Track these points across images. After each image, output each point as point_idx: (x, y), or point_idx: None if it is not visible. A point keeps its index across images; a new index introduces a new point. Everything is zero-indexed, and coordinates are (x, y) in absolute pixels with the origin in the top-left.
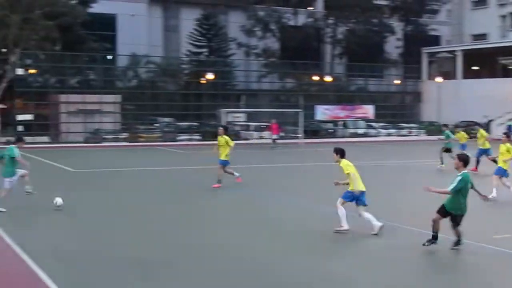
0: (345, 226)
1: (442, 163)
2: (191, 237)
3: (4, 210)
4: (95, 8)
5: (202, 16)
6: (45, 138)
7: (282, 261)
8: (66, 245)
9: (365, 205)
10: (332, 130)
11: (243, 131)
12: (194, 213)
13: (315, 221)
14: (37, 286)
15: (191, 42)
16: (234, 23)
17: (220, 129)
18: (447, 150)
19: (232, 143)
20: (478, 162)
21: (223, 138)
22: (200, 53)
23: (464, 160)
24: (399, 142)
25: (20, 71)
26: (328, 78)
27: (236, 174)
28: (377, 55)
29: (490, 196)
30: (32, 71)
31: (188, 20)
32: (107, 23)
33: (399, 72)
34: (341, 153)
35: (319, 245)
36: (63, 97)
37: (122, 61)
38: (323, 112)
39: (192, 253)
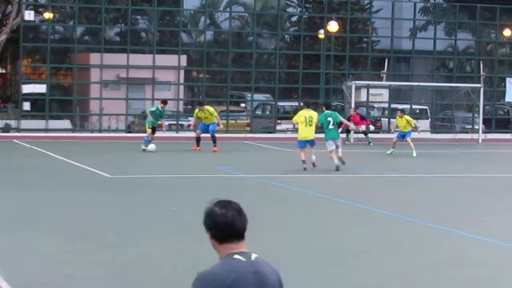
0: None
1: None
2: None
3: None
4: None
5: None
6: (65, 123)
7: None
8: None
9: None
10: None
11: (383, 119)
12: None
13: None
14: None
15: None
16: None
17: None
18: None
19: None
20: None
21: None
22: None
23: None
24: None
25: (28, 15)
26: None
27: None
28: None
29: None
30: (47, 15)
31: None
32: None
33: None
34: None
35: None
36: (94, 58)
37: (191, 2)
38: None
39: None
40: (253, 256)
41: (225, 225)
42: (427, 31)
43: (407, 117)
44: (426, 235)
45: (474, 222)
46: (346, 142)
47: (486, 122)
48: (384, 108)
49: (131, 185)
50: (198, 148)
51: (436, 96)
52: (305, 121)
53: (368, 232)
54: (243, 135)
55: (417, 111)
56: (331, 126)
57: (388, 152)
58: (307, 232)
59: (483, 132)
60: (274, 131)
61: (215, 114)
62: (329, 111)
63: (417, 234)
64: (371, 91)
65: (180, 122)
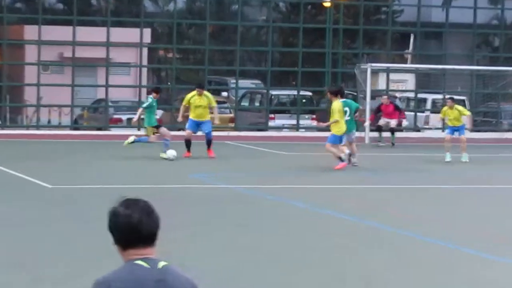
0: None
1: None
2: None
3: None
4: None
5: None
6: None
7: None
8: None
9: None
10: None
11: (407, 113)
12: None
13: None
14: None
15: None
16: None
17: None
18: None
19: None
20: None
21: None
22: None
23: None
24: None
25: None
26: None
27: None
28: None
29: None
30: None
31: None
32: None
33: None
34: None
35: None
36: (30, 31)
37: None
38: None
39: None
40: (161, 263)
41: (129, 228)
42: None
43: (460, 107)
44: (460, 262)
45: None
46: (379, 143)
47: None
48: (408, 99)
49: (76, 198)
50: (189, 154)
51: (476, 84)
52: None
53: (386, 256)
54: (225, 133)
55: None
56: (347, 118)
57: (447, 159)
58: (310, 258)
59: None
60: (265, 128)
61: (215, 105)
62: (344, 100)
63: (448, 261)
64: (392, 76)
65: (142, 116)
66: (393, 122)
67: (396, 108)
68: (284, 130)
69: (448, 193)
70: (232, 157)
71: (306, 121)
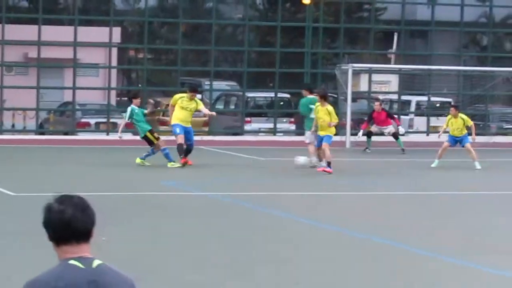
0: None
1: None
2: None
3: None
4: None
5: None
6: None
7: None
8: None
9: None
10: None
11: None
12: None
13: None
14: None
15: None
16: None
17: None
18: None
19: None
20: None
21: None
22: None
23: None
24: None
25: None
26: None
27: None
28: None
29: None
30: None
31: None
32: None
33: None
34: None
35: None
36: None
37: None
38: None
39: None
40: (96, 262)
41: (61, 223)
42: None
43: (464, 116)
44: (441, 271)
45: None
46: (367, 150)
47: None
48: (392, 101)
49: (41, 206)
50: (188, 161)
51: (464, 85)
52: None
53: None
54: (198, 137)
55: (438, 104)
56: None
57: (433, 165)
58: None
59: None
60: (241, 132)
61: (202, 106)
62: (312, 97)
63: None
64: (375, 77)
65: (112, 120)
66: (391, 128)
67: (389, 115)
68: (260, 134)
69: (432, 199)
70: (206, 162)
71: (283, 124)
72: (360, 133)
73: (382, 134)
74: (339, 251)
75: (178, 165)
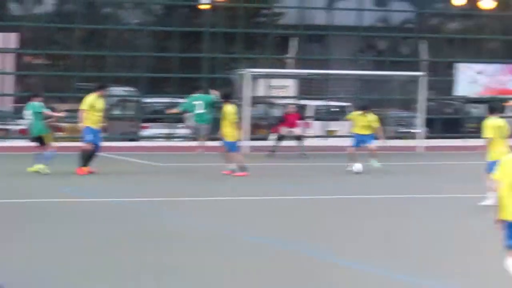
0: None
1: None
2: None
3: None
4: None
5: None
6: None
7: None
8: None
9: None
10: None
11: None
12: None
13: None
14: None
15: None
16: None
17: None
18: None
19: None
20: None
21: None
22: None
23: None
24: None
25: None
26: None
27: None
28: None
29: None
30: None
31: None
32: None
33: None
34: None
35: None
36: None
37: None
38: (471, 78)
39: None
40: None
41: None
42: None
43: (372, 116)
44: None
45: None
46: (274, 153)
47: (430, 123)
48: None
49: None
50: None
51: (361, 89)
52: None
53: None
54: None
55: (335, 109)
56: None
57: (352, 168)
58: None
59: (424, 135)
60: (137, 138)
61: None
62: (198, 95)
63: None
64: (272, 82)
65: (8, 127)
66: (297, 130)
67: (300, 118)
68: (158, 139)
69: (336, 203)
70: (104, 169)
71: (181, 130)
72: (273, 137)
73: (292, 137)
74: (236, 257)
75: (47, 171)
